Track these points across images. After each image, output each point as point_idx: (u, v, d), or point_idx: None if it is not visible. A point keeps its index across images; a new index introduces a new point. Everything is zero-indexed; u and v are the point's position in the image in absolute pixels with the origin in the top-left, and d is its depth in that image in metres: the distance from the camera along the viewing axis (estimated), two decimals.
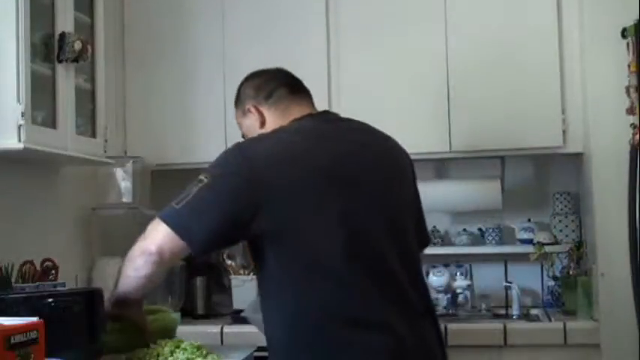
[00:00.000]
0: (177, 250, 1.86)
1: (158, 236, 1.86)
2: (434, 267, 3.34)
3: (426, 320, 1.91)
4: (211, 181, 1.86)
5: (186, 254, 1.89)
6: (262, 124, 2.10)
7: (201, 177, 1.88)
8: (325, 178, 1.87)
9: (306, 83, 3.20)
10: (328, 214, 1.84)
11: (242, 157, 1.88)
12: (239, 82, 3.25)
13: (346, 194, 1.87)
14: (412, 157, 2.09)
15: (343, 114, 3.27)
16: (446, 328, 2.76)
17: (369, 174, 1.93)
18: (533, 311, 3.18)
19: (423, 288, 1.96)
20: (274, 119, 2.08)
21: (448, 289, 3.29)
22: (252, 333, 2.89)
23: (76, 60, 2.53)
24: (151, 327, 2.11)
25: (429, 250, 2.14)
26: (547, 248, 3.18)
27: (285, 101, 2.11)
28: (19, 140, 2.27)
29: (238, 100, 2.18)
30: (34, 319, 1.60)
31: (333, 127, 2.03)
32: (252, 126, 2.12)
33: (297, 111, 2.08)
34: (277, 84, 2.14)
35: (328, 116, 2.11)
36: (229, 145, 3.19)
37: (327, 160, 1.89)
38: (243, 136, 2.18)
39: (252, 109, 2.11)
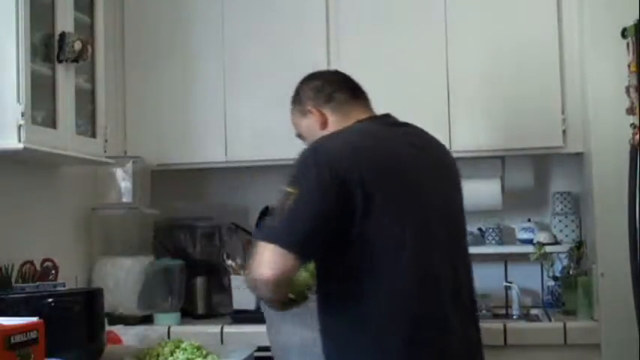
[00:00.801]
0: (290, 265, 1.82)
1: (269, 259, 1.82)
2: None
3: (473, 322, 2.01)
4: (300, 189, 1.86)
5: (302, 265, 1.88)
6: (323, 125, 2.13)
7: (289, 189, 1.87)
8: (399, 181, 1.93)
9: None
10: (404, 217, 1.90)
11: (323, 159, 1.89)
12: (239, 82, 3.29)
13: (415, 198, 1.94)
14: None
15: None
16: None
17: (431, 179, 2.00)
18: (533, 311, 3.18)
19: (473, 292, 2.04)
20: (336, 122, 2.11)
21: None
22: (252, 333, 2.90)
23: (76, 60, 2.53)
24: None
25: None
26: (547, 248, 3.18)
27: (346, 105, 2.14)
28: (19, 140, 2.27)
29: (297, 101, 2.21)
30: (34, 319, 1.61)
31: (396, 131, 2.06)
32: (311, 127, 2.16)
33: (358, 114, 2.12)
34: (337, 87, 2.17)
35: (389, 120, 2.13)
36: (229, 144, 3.26)
37: (398, 164, 1.95)
38: (298, 136, 2.24)
39: (313, 111, 2.15)
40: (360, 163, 1.88)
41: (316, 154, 1.92)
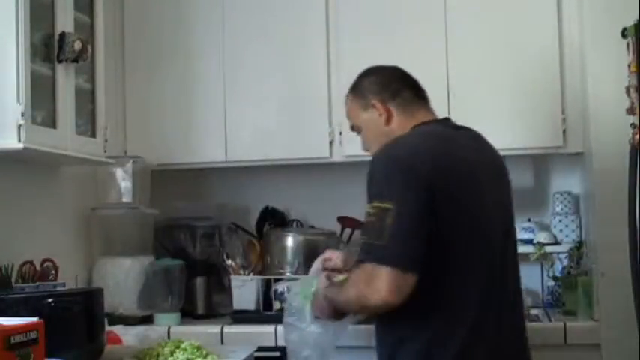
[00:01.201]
0: (412, 285, 1.81)
1: (390, 283, 1.80)
2: None
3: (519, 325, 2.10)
4: (395, 203, 1.83)
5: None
6: (388, 121, 2.12)
7: (383, 205, 1.84)
8: (469, 186, 1.96)
9: (307, 84, 3.24)
10: (479, 224, 1.95)
11: (406, 167, 1.89)
12: (239, 83, 3.29)
13: (481, 203, 1.98)
14: None
15: (344, 115, 3.28)
16: None
17: (491, 183, 2.05)
18: (533, 311, 3.18)
19: (520, 293, 2.11)
20: (401, 119, 2.12)
21: None
22: (252, 333, 2.91)
23: (76, 60, 2.53)
24: None
25: None
26: (547, 248, 3.18)
27: (412, 104, 2.15)
28: (19, 140, 2.27)
29: (359, 93, 2.19)
30: (34, 319, 1.61)
31: (463, 135, 2.09)
32: (373, 121, 2.14)
33: (422, 115, 2.13)
34: (402, 85, 2.17)
35: (449, 123, 2.15)
36: (229, 144, 3.26)
37: (469, 169, 1.98)
38: (352, 128, 2.25)
39: (379, 105, 2.13)
40: (439, 169, 1.90)
41: (398, 163, 1.91)
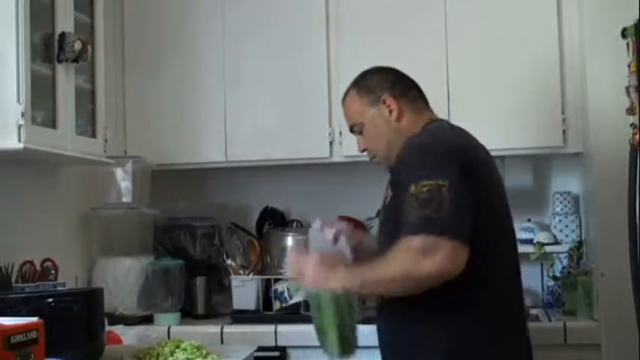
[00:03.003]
0: (465, 257, 1.81)
1: (451, 255, 1.79)
2: None
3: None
4: (449, 179, 1.84)
5: None
6: (399, 117, 2.11)
7: (435, 181, 1.83)
8: (499, 181, 2.08)
9: (307, 84, 3.25)
10: (508, 217, 2.06)
11: (451, 147, 1.94)
12: (239, 83, 3.29)
13: (502, 194, 2.06)
14: None
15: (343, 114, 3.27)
16: None
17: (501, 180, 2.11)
18: (533, 311, 3.18)
19: None
20: (410, 117, 2.12)
21: None
22: (252, 333, 2.91)
23: (76, 60, 2.53)
24: None
25: None
26: (547, 248, 3.18)
27: (418, 102, 2.16)
28: (19, 140, 2.27)
29: (366, 89, 2.16)
30: (34, 319, 1.60)
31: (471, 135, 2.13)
32: (382, 117, 2.12)
33: (428, 114, 2.16)
34: (409, 84, 2.19)
35: (450, 123, 2.18)
36: (229, 144, 3.25)
37: (490, 160, 2.07)
38: (351, 128, 2.21)
39: (390, 101, 2.11)
40: (477, 158, 1.98)
41: (444, 144, 1.95)
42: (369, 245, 2.25)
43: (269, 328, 2.90)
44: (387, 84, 2.14)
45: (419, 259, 1.79)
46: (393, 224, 1.92)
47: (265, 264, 3.23)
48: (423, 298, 1.86)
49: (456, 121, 3.11)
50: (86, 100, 2.76)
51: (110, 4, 3.19)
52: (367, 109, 2.14)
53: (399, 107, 2.11)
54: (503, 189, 2.08)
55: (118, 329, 2.64)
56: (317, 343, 2.85)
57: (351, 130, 2.22)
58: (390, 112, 2.11)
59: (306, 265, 1.98)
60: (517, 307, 2.06)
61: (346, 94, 2.22)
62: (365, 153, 2.20)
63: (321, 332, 2.01)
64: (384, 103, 2.11)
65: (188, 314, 3.20)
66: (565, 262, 3.18)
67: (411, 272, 1.81)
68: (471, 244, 1.82)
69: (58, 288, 2.50)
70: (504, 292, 2.00)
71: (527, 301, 3.26)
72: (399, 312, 1.99)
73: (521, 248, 3.23)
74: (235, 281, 3.17)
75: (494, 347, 1.94)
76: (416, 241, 1.80)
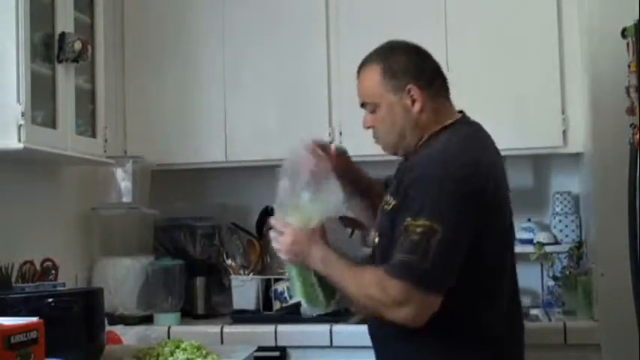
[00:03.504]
0: (434, 308, 1.79)
1: (418, 306, 1.77)
2: None
3: None
4: (444, 226, 1.76)
5: None
6: (421, 110, 1.94)
7: (432, 223, 1.76)
8: (507, 195, 1.98)
9: (307, 84, 3.25)
10: (511, 234, 2.04)
11: (466, 189, 1.80)
12: (239, 83, 3.29)
13: (509, 218, 1.99)
14: None
15: (344, 115, 3.29)
16: None
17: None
18: (533, 311, 3.18)
19: None
20: (431, 112, 1.95)
21: None
22: (252, 333, 2.91)
23: (76, 60, 2.54)
24: None
25: None
26: (547, 248, 3.18)
27: (441, 96, 1.99)
28: (19, 140, 2.27)
29: (390, 72, 1.95)
30: (34, 319, 1.60)
31: (491, 139, 2.05)
32: (401, 105, 1.94)
33: (447, 110, 2.00)
34: (435, 71, 2.00)
35: (471, 119, 2.07)
36: (229, 144, 3.25)
37: (505, 183, 1.98)
38: (364, 105, 2.00)
39: (415, 91, 1.93)
40: (495, 187, 1.88)
41: (456, 183, 1.80)
42: (366, 177, 2.22)
43: (269, 328, 2.90)
44: (414, 71, 1.95)
45: (389, 304, 1.79)
46: (389, 238, 1.88)
47: (265, 264, 3.23)
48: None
49: None
50: (86, 100, 2.76)
51: (110, 4, 3.19)
52: (387, 94, 1.95)
53: (424, 100, 1.94)
54: (509, 207, 1.97)
55: (118, 329, 2.64)
56: (317, 343, 2.88)
57: (362, 105, 2.04)
58: (413, 102, 1.93)
59: (285, 235, 1.98)
60: (517, 336, 2.07)
61: (366, 64, 2.01)
62: (369, 130, 2.04)
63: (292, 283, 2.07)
64: (409, 92, 1.93)
65: (188, 314, 3.20)
66: (565, 262, 3.18)
67: (376, 308, 1.85)
68: (466, 281, 1.81)
69: (58, 288, 2.50)
70: (502, 325, 1.96)
71: (528, 301, 3.28)
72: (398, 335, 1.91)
73: (521, 248, 3.26)
74: (235, 281, 3.17)
75: None
76: (392, 288, 1.77)
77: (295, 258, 1.98)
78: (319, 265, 1.93)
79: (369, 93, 2.00)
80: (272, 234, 2.02)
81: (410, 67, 1.96)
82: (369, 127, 2.03)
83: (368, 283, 1.83)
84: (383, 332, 1.99)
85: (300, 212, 1.97)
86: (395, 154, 2.04)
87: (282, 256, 2.00)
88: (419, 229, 1.76)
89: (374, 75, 1.98)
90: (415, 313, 1.77)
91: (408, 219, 1.78)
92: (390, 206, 1.92)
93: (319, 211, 1.96)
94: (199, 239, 3.34)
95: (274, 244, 2.01)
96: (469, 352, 1.89)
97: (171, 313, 3.09)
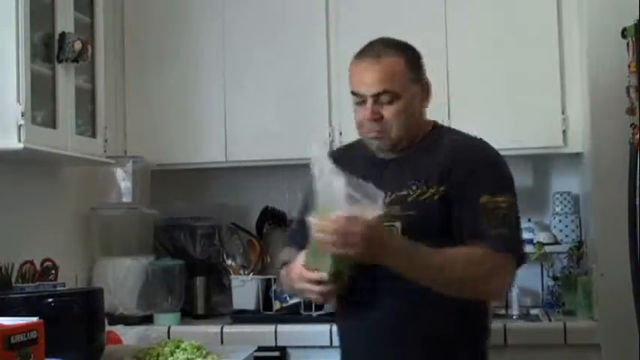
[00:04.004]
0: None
1: (512, 275, 1.93)
2: None
3: None
4: (514, 197, 1.94)
5: None
6: (426, 105, 2.04)
7: (508, 198, 1.91)
8: None
9: (307, 84, 3.24)
10: None
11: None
12: (239, 83, 3.29)
13: None
14: None
15: (344, 115, 3.29)
16: None
17: None
18: (533, 311, 3.18)
19: None
20: (423, 111, 2.06)
21: None
22: (252, 333, 2.91)
23: (76, 60, 2.54)
24: None
25: None
26: (547, 248, 3.18)
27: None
28: (19, 140, 2.27)
29: (413, 64, 1.99)
30: (34, 319, 1.60)
31: None
32: (418, 98, 2.00)
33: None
34: None
35: None
36: (229, 144, 3.25)
37: None
38: (381, 94, 1.93)
39: (428, 86, 2.04)
40: None
41: (507, 164, 2.01)
42: None
43: (269, 328, 2.90)
44: (423, 67, 2.03)
45: (491, 275, 1.86)
46: (427, 226, 1.89)
47: (265, 264, 3.23)
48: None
49: (456, 120, 3.13)
50: (86, 100, 2.76)
51: (110, 4, 3.19)
52: (410, 85, 1.96)
53: (429, 95, 2.04)
54: None
55: (118, 329, 2.64)
56: (317, 343, 2.87)
57: (376, 95, 1.95)
58: (427, 96, 2.02)
59: (354, 231, 1.75)
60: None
61: (385, 55, 1.97)
62: (373, 122, 1.97)
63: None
64: (426, 85, 2.02)
65: (188, 314, 3.20)
66: (565, 262, 3.18)
67: (477, 284, 1.86)
68: None
69: (58, 288, 2.50)
70: None
71: (528, 301, 3.28)
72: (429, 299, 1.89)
73: None
74: (235, 281, 3.17)
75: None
76: (501, 260, 1.86)
77: (373, 259, 1.81)
78: (398, 257, 1.82)
79: (392, 83, 1.95)
80: (330, 228, 1.78)
81: (422, 62, 2.03)
82: (379, 118, 1.96)
83: (479, 260, 1.84)
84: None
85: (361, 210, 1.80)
86: (394, 148, 1.99)
87: (345, 250, 1.77)
88: (504, 205, 1.89)
89: (399, 66, 1.96)
90: (511, 280, 1.93)
91: (486, 196, 1.88)
92: (427, 195, 1.92)
93: (371, 207, 1.82)
94: (199, 239, 3.34)
95: (331, 238, 1.77)
96: (479, 319, 2.03)
97: (171, 313, 3.09)
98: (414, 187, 1.95)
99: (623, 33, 2.63)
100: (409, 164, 1.99)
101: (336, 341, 2.81)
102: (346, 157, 2.01)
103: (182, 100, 3.32)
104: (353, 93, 2.00)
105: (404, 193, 1.95)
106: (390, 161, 2.02)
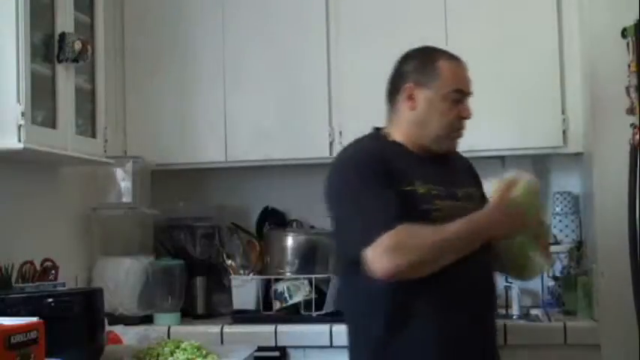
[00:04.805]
0: None
1: None
2: None
3: None
4: None
5: None
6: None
7: None
8: None
9: (306, 83, 3.24)
10: None
11: None
12: (239, 83, 3.29)
13: None
14: None
15: (343, 114, 3.30)
16: None
17: None
18: (533, 311, 3.17)
19: None
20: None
21: None
22: (252, 333, 2.91)
23: (76, 60, 2.54)
24: None
25: None
26: None
27: None
28: (19, 140, 2.27)
29: None
30: (34, 319, 1.60)
31: None
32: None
33: None
34: None
35: None
36: (229, 144, 3.25)
37: None
38: (467, 95, 2.22)
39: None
40: None
41: None
42: None
43: (269, 328, 2.90)
44: None
45: None
46: None
47: (265, 264, 3.23)
48: None
49: None
50: (86, 100, 2.76)
51: (110, 4, 3.19)
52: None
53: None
54: None
55: (118, 329, 2.64)
56: (317, 343, 2.88)
57: (466, 95, 2.24)
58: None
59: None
60: None
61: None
62: (463, 121, 2.20)
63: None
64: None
65: (188, 314, 3.20)
66: (565, 262, 3.18)
67: None
68: None
69: (58, 288, 2.50)
70: None
71: (528, 301, 3.28)
72: None
73: None
74: (235, 281, 3.17)
75: None
76: None
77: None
78: None
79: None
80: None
81: None
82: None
83: None
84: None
85: None
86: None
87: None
88: None
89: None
90: None
91: None
92: (477, 194, 2.15)
93: None
94: (199, 239, 3.34)
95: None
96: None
97: (172, 313, 3.09)
98: (467, 185, 2.13)
99: (623, 33, 2.63)
100: (449, 165, 2.15)
101: (336, 341, 2.83)
102: (389, 153, 2.07)
103: (182, 101, 3.32)
104: (456, 91, 2.16)
105: (467, 190, 2.11)
106: (431, 160, 2.11)
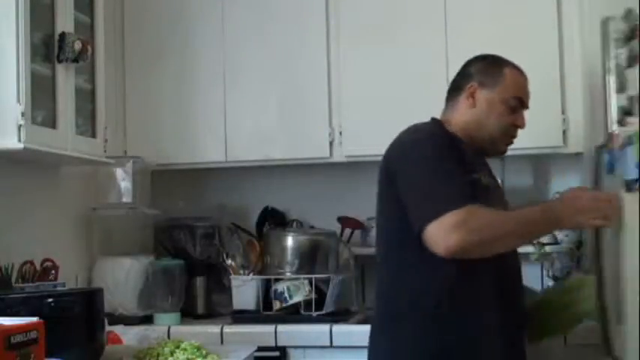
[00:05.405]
0: None
1: None
2: None
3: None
4: None
5: None
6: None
7: None
8: None
9: (306, 83, 3.24)
10: None
11: None
12: (239, 83, 3.29)
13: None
14: None
15: (343, 114, 3.29)
16: None
17: None
18: None
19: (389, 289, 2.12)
20: None
21: None
22: (252, 333, 2.91)
23: (76, 60, 2.54)
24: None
25: None
26: (547, 248, 3.17)
27: None
28: (19, 140, 2.27)
29: None
30: (34, 319, 1.60)
31: None
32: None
33: None
34: None
35: None
36: (229, 144, 3.25)
37: None
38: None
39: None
40: None
41: None
42: None
43: (269, 328, 2.90)
44: None
45: None
46: None
47: (265, 264, 3.23)
48: None
49: None
50: (86, 100, 2.76)
51: (110, 4, 3.19)
52: None
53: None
54: None
55: (118, 329, 2.64)
56: (317, 343, 2.87)
57: (524, 107, 2.34)
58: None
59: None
60: None
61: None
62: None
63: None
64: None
65: (188, 314, 3.20)
66: (565, 262, 3.18)
67: None
68: None
69: (58, 288, 2.50)
70: None
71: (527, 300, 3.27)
72: None
73: (522, 248, 3.24)
74: (235, 281, 3.17)
75: None
76: None
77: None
78: None
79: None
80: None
81: None
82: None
83: None
84: None
85: None
86: None
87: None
88: None
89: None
90: None
91: None
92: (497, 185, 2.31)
93: None
94: (199, 239, 3.34)
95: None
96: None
97: (172, 313, 3.09)
98: (493, 180, 2.27)
99: None
100: (487, 166, 2.30)
101: (336, 341, 2.83)
102: (456, 141, 2.14)
103: (182, 100, 3.32)
104: (515, 98, 2.27)
105: (491, 183, 2.23)
106: (479, 158, 2.22)
